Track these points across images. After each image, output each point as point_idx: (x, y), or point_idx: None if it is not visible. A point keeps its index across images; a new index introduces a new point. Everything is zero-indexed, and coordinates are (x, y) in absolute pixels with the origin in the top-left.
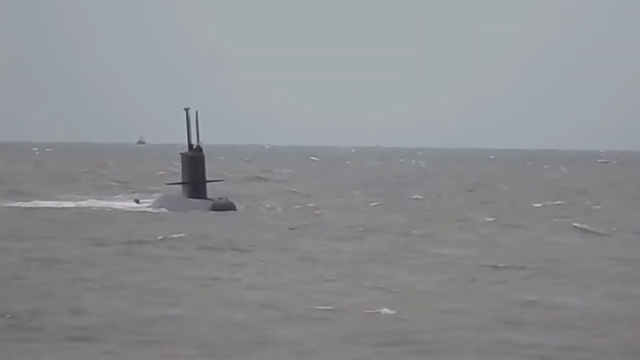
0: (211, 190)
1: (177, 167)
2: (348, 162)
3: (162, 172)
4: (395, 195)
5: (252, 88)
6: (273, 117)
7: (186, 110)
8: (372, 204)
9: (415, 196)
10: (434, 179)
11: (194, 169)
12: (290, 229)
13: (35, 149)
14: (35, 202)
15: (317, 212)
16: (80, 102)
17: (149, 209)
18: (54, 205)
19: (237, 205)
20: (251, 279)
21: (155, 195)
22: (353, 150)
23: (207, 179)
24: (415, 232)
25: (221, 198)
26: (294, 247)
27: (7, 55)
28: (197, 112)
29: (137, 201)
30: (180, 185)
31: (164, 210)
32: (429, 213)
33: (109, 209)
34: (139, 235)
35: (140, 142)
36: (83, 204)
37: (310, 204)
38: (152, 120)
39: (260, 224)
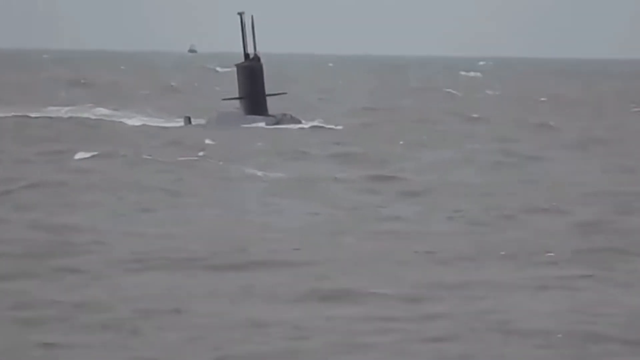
0: (272, 106)
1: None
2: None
3: (217, 88)
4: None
5: None
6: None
7: (240, 15)
8: None
9: None
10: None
11: (251, 82)
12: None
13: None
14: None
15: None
16: (126, 8)
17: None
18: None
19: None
20: None
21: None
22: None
23: (267, 92)
24: None
25: (285, 114)
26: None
27: None
28: (252, 17)
29: (188, 120)
30: (238, 102)
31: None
32: None
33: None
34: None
35: (191, 51)
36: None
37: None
38: (204, 27)
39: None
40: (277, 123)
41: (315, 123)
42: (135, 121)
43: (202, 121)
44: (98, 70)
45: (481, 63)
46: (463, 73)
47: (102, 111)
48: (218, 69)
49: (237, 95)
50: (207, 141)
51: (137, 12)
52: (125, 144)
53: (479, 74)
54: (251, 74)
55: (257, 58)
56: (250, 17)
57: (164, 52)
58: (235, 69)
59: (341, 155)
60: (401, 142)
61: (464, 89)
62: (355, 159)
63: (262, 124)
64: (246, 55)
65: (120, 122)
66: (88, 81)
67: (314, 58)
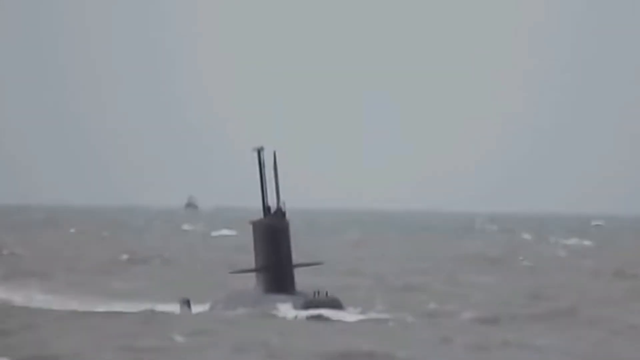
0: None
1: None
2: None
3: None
4: None
5: None
6: None
7: (258, 151)
8: None
9: None
10: None
11: (274, 246)
12: None
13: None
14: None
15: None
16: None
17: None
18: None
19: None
20: None
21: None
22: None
23: (295, 261)
24: None
25: (318, 292)
26: None
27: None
28: (275, 155)
29: (185, 304)
30: (254, 277)
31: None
32: None
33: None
34: None
35: (190, 205)
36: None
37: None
38: (199, 178)
39: None
40: (310, 306)
41: (369, 314)
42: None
43: (202, 306)
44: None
45: (596, 223)
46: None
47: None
48: (213, 233)
49: (251, 266)
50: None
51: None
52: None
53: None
54: (273, 235)
55: (281, 213)
56: (272, 154)
57: (154, 207)
58: (251, 228)
59: None
60: None
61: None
62: None
63: (288, 306)
64: (266, 209)
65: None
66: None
67: (348, 216)
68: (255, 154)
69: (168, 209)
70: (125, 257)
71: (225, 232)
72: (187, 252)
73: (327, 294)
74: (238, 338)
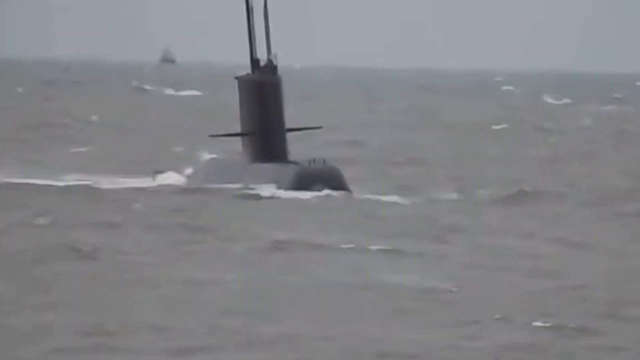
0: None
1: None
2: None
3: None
4: None
5: None
6: None
7: None
8: None
9: None
10: None
11: (262, 106)
12: None
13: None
14: None
15: None
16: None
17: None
18: None
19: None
20: None
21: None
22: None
23: (288, 124)
24: None
25: (314, 160)
26: None
27: None
28: (265, 1)
29: (158, 173)
30: (239, 142)
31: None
32: None
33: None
34: None
35: (166, 60)
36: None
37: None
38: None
39: None
40: (304, 177)
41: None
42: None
43: (176, 176)
44: None
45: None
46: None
47: None
48: (169, 91)
49: (237, 130)
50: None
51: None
52: None
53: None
54: (262, 93)
55: (272, 67)
56: (262, 1)
57: (127, 62)
58: (236, 84)
59: None
60: None
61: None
62: None
63: (279, 180)
64: (255, 62)
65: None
66: None
67: (343, 72)
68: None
69: (140, 63)
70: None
71: (188, 92)
72: (138, 116)
73: (324, 162)
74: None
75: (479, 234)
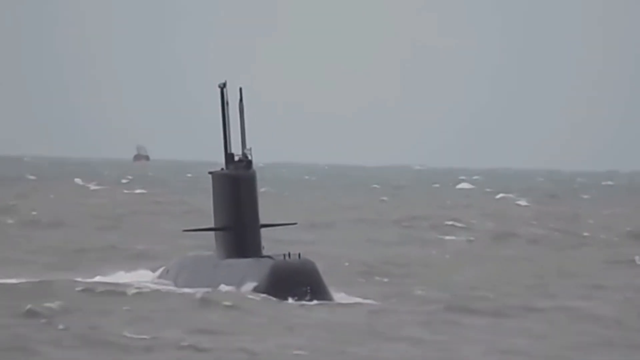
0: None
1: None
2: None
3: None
4: None
5: None
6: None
7: (221, 88)
8: None
9: None
10: None
11: (236, 201)
12: None
13: None
14: None
15: None
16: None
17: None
18: None
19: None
20: None
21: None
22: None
23: (263, 220)
24: None
25: (289, 254)
26: None
27: None
28: (241, 90)
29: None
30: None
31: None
32: None
33: None
34: None
35: (139, 156)
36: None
37: None
38: (152, 128)
39: None
40: (279, 272)
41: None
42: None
43: (147, 273)
44: None
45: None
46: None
47: None
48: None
49: (210, 225)
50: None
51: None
52: None
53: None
54: (236, 188)
55: (246, 161)
56: (238, 90)
57: (99, 160)
58: (210, 179)
59: None
60: None
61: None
62: None
63: (250, 280)
64: (229, 157)
65: None
66: None
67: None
68: (218, 91)
69: (114, 160)
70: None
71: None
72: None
73: (299, 256)
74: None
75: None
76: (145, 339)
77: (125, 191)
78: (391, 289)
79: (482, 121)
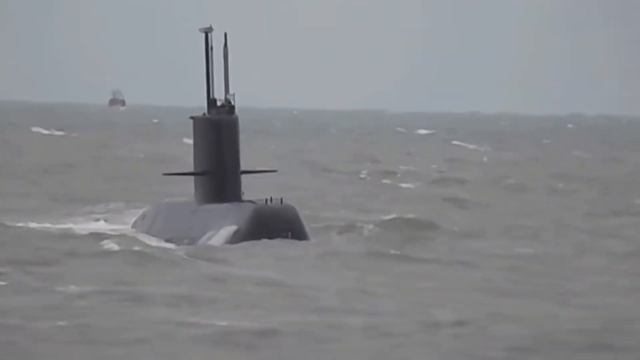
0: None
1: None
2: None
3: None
4: None
5: None
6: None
7: (206, 32)
8: None
9: None
10: None
11: (217, 146)
12: None
13: None
14: None
15: None
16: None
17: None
18: None
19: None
20: None
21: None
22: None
23: (244, 166)
24: None
25: (271, 198)
26: None
27: None
28: (225, 36)
29: (101, 220)
30: (192, 183)
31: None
32: None
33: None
34: None
35: (115, 101)
36: None
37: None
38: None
39: None
40: (259, 217)
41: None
42: None
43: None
44: None
45: None
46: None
47: None
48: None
49: (190, 169)
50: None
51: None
52: None
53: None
54: (218, 133)
55: (229, 107)
56: (222, 35)
57: (74, 105)
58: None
59: None
60: None
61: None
62: None
63: (228, 226)
64: (212, 102)
65: None
66: None
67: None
68: (202, 36)
69: (89, 105)
70: None
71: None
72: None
73: (281, 201)
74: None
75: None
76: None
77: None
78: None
79: (451, 66)
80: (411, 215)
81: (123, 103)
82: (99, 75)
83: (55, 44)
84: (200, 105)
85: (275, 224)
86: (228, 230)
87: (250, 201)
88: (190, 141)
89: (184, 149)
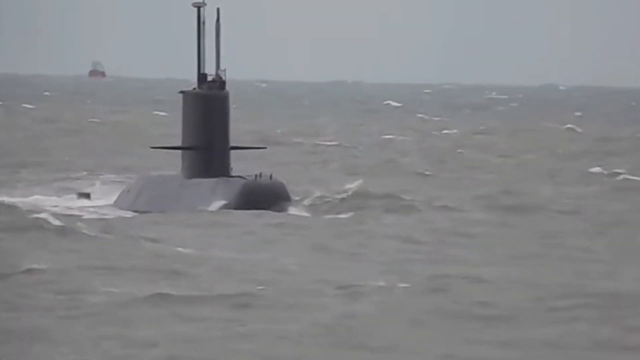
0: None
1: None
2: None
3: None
4: None
5: None
6: None
7: (198, 7)
8: None
9: None
10: None
11: (207, 121)
12: None
13: None
14: None
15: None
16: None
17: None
18: None
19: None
20: None
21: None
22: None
23: (233, 142)
24: None
25: (260, 174)
26: None
27: None
28: (218, 11)
29: (83, 196)
30: (180, 157)
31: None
32: None
33: None
34: None
35: (95, 72)
36: None
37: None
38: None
39: None
40: (249, 191)
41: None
42: None
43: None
44: None
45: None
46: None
47: None
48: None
49: (178, 143)
50: None
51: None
52: None
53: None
54: (208, 108)
55: (220, 82)
56: (215, 11)
57: (53, 77)
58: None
59: None
60: None
61: None
62: None
63: (218, 198)
64: (202, 77)
65: None
66: None
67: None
68: (195, 11)
69: (68, 76)
70: None
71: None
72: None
73: (271, 177)
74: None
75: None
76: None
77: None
78: None
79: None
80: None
81: (103, 74)
82: (77, 46)
83: (42, 16)
84: (187, 78)
85: (264, 200)
86: (216, 205)
87: (240, 176)
88: (161, 113)
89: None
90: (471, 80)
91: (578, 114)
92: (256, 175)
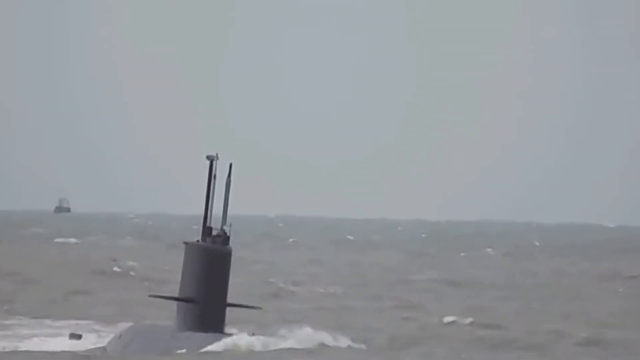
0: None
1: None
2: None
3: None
4: None
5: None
6: None
7: (211, 160)
8: None
9: None
10: None
11: (207, 276)
12: None
13: None
14: None
15: None
16: None
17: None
18: None
19: None
20: None
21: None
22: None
23: (230, 299)
24: None
25: (252, 333)
26: None
27: None
28: (230, 166)
29: (75, 337)
30: (175, 308)
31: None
32: None
33: None
34: None
35: (61, 209)
36: None
37: None
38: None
39: None
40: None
41: None
42: None
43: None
44: None
45: None
46: None
47: None
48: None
49: (174, 293)
50: None
51: None
52: None
53: None
54: (209, 263)
55: (224, 237)
56: (228, 165)
57: (23, 212)
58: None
59: None
60: None
61: None
62: None
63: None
64: (206, 230)
65: None
66: None
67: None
68: (208, 163)
69: (34, 211)
70: None
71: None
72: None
73: (253, 333)
74: None
75: None
76: None
77: None
78: None
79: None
80: None
81: (68, 210)
82: (42, 182)
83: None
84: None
85: None
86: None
87: (231, 334)
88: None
89: None
90: None
91: None
92: (249, 334)
